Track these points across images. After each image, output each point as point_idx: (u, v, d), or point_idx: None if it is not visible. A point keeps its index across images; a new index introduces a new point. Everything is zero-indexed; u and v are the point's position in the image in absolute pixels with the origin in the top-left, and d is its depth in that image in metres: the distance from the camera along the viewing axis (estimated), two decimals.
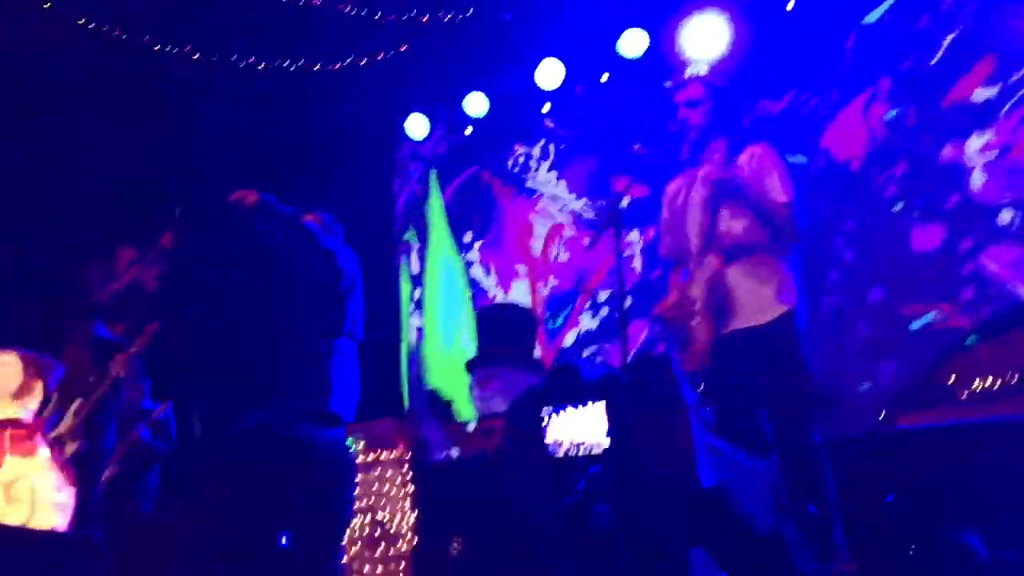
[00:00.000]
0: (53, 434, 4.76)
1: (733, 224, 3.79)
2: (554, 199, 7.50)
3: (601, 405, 2.36)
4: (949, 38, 5.66)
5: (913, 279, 5.59)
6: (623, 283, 3.97)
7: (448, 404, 6.77)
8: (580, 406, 2.40)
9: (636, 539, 2.22)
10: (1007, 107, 5.40)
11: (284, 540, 2.96)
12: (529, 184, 7.65)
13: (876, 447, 4.20)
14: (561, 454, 2.40)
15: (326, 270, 4.29)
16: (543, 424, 2.44)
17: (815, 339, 5.47)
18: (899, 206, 5.71)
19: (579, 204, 7.35)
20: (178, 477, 5.28)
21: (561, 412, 2.44)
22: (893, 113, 5.85)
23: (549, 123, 7.51)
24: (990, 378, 4.90)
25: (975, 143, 5.50)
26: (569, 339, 7.12)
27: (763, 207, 3.76)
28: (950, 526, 3.33)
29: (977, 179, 5.48)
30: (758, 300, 3.70)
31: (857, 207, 5.89)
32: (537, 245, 7.55)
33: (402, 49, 6.79)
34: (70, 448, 4.83)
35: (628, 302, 6.38)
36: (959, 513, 3.60)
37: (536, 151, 7.65)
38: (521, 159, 7.73)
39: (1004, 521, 3.44)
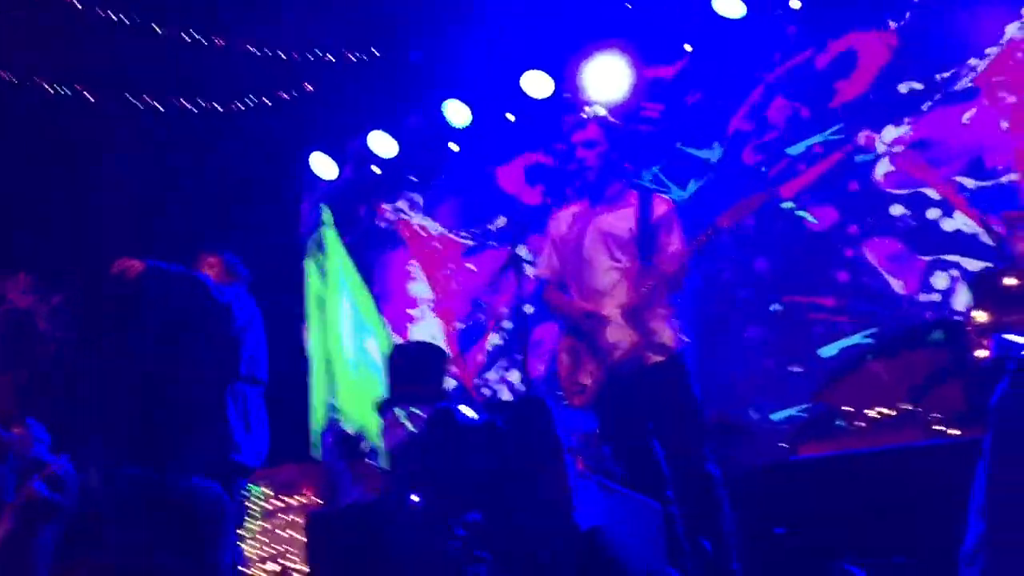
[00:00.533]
0: None
1: (630, 269, 3.86)
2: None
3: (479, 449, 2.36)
4: None
5: (801, 259, 5.79)
6: (523, 313, 4.02)
7: (354, 438, 6.70)
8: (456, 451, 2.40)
9: None
10: (929, 104, 5.58)
11: None
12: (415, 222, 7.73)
13: (774, 478, 4.27)
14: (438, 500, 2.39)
15: (220, 318, 4.25)
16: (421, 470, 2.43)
17: (725, 366, 5.68)
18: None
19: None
20: (72, 534, 5.09)
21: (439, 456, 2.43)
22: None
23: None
24: (883, 408, 5.05)
25: (890, 133, 5.69)
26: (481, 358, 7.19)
27: (662, 258, 3.84)
28: (837, 557, 3.39)
29: (880, 170, 5.67)
30: (665, 337, 3.76)
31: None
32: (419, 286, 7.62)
33: (307, 88, 6.75)
34: None
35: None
36: (846, 544, 3.67)
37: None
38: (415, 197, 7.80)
39: (888, 551, 3.52)
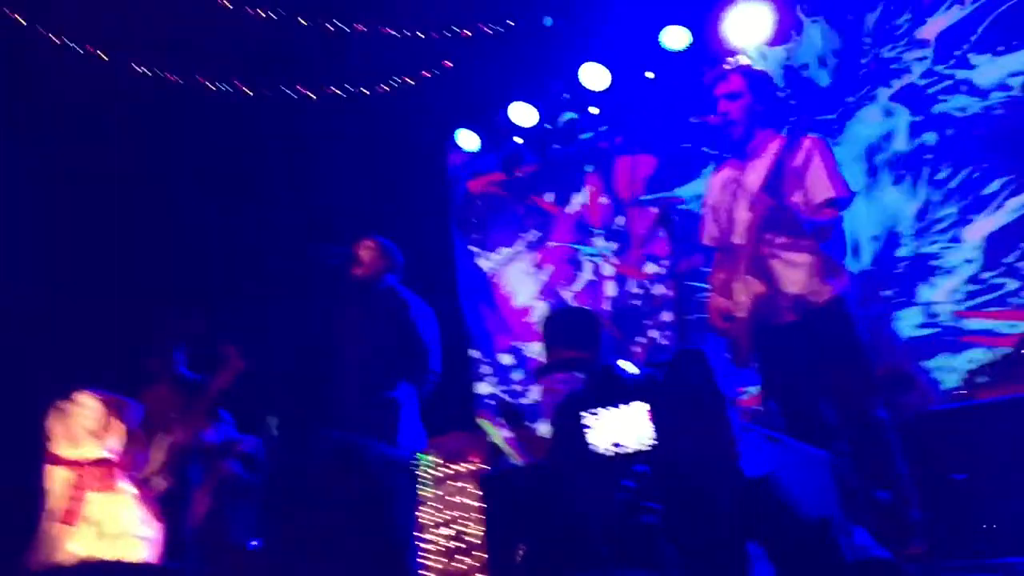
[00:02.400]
0: (141, 474, 4.92)
1: (782, 217, 3.74)
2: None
3: (642, 405, 2.38)
4: None
5: None
6: (680, 284, 3.97)
7: (515, 405, 6.83)
8: (621, 406, 2.43)
9: (687, 535, 2.23)
10: None
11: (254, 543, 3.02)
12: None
13: (948, 424, 4.11)
14: (608, 454, 2.42)
15: (409, 328, 4.43)
16: (584, 427, 2.47)
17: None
18: None
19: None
20: (273, 505, 5.40)
21: (602, 414, 2.47)
22: None
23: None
24: None
25: None
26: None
27: (812, 202, 3.71)
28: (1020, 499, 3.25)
29: None
30: (807, 286, 3.65)
31: None
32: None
33: (446, 65, 6.86)
34: (158, 485, 4.98)
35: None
36: None
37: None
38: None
39: None
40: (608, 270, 7.41)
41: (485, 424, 7.54)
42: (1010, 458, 3.70)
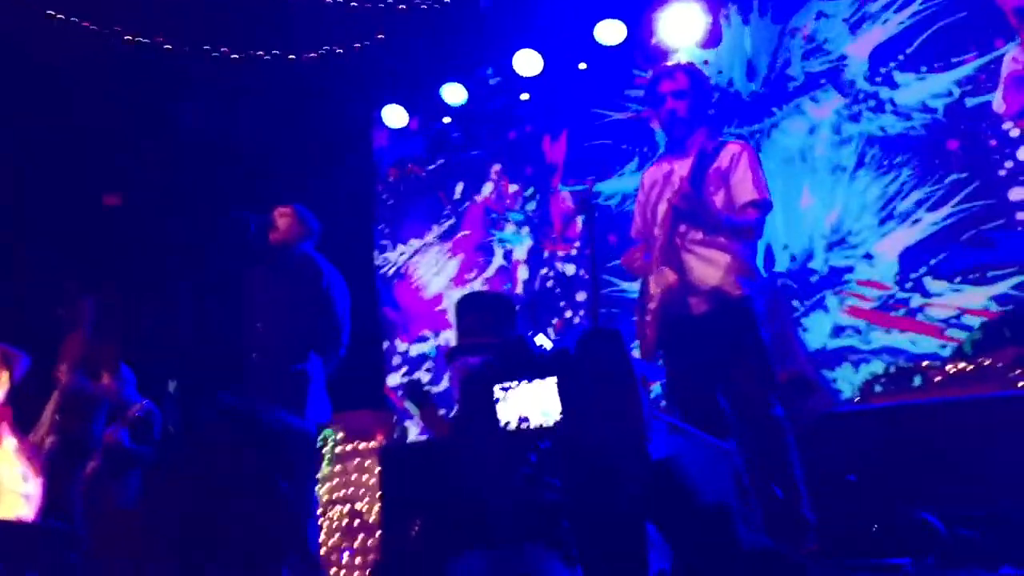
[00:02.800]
0: (36, 429, 4.75)
1: (701, 212, 3.75)
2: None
3: (552, 380, 2.37)
4: None
5: None
6: (595, 266, 3.94)
7: (421, 384, 6.80)
8: (531, 381, 2.40)
9: (588, 512, 2.22)
10: None
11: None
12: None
13: (846, 425, 4.21)
14: (512, 428, 2.40)
15: (323, 296, 4.33)
16: (494, 400, 2.44)
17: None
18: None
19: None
20: (159, 468, 5.27)
21: (512, 388, 2.44)
22: None
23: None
24: (962, 363, 4.95)
25: None
26: None
27: (735, 202, 3.76)
28: (911, 504, 3.34)
29: None
30: (720, 283, 3.69)
31: None
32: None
33: (378, 37, 6.76)
34: (47, 440, 4.81)
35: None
36: (920, 491, 3.61)
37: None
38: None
39: (963, 500, 3.46)
40: (519, 254, 7.45)
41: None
42: (900, 461, 3.81)
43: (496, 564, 2.33)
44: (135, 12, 6.30)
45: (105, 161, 6.78)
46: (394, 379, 7.79)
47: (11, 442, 4.41)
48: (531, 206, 7.45)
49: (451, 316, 7.16)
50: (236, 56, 6.63)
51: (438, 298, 7.83)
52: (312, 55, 6.80)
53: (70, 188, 6.53)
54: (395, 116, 7.61)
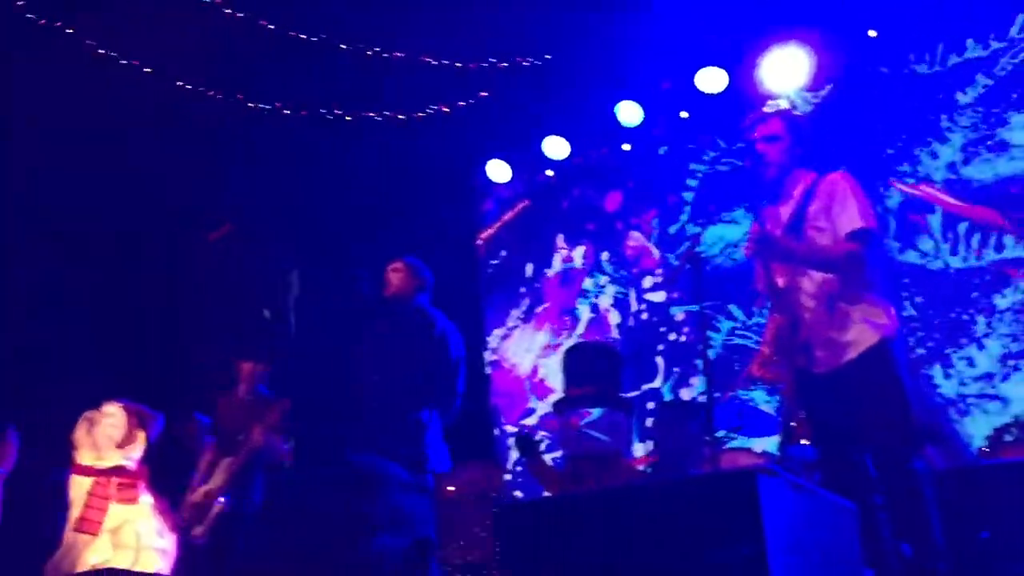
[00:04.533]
0: (203, 488, 4.88)
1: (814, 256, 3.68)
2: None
3: None
4: None
5: None
6: (704, 318, 3.90)
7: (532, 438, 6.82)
8: None
9: None
10: None
11: None
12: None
13: (977, 480, 4.06)
14: None
15: (439, 347, 4.43)
16: None
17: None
18: None
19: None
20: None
21: None
22: None
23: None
24: None
25: None
26: None
27: (839, 234, 3.65)
28: None
29: None
30: (851, 331, 3.56)
31: None
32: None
33: (482, 95, 6.92)
34: (215, 498, 4.92)
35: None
36: None
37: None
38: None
39: None
40: (604, 303, 7.61)
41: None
42: None
43: None
44: (255, 78, 6.62)
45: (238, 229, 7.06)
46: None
47: (148, 499, 4.61)
48: (605, 255, 7.67)
49: (554, 375, 7.30)
50: (349, 118, 6.87)
51: (534, 370, 7.99)
52: (419, 115, 7.00)
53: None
54: (499, 171, 7.77)
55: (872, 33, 6.19)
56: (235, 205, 7.18)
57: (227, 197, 7.12)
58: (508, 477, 7.48)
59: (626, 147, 7.45)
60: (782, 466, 3.55)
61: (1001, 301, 5.51)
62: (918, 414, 4.11)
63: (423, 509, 4.09)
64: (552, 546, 2.97)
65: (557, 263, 8.03)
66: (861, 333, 3.55)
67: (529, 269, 8.22)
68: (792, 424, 4.22)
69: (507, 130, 7.48)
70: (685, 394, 6.99)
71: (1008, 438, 4.80)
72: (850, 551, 3.02)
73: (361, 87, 7.00)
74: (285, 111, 6.76)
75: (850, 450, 3.52)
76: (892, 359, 3.53)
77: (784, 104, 4.21)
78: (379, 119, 6.97)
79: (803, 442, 4.25)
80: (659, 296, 7.37)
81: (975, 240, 5.66)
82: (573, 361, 6.59)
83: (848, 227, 3.60)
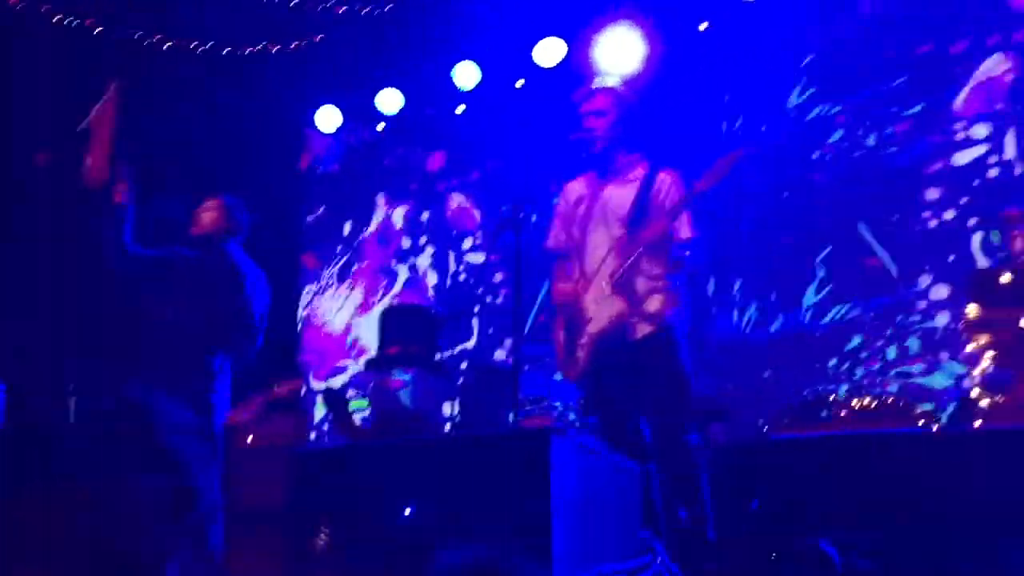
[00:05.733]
0: None
1: (619, 240, 3.84)
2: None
3: None
4: None
5: None
6: (519, 279, 3.98)
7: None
8: None
9: None
10: None
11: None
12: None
13: (753, 455, 4.31)
14: None
15: (242, 294, 4.25)
16: None
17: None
18: None
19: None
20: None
21: None
22: None
23: None
24: (868, 398, 5.10)
25: None
26: None
27: (675, 236, 3.84)
28: (809, 534, 3.45)
29: None
30: (655, 311, 3.78)
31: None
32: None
33: (316, 39, 6.72)
34: None
35: None
36: (818, 522, 3.73)
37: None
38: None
39: (858, 530, 3.58)
40: (423, 263, 7.66)
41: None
42: (808, 493, 3.93)
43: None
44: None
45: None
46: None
47: None
48: (425, 215, 7.72)
49: (368, 334, 7.28)
50: (170, 43, 6.54)
51: (347, 329, 7.94)
52: (251, 50, 6.74)
53: None
54: (328, 119, 7.58)
55: (703, 27, 6.41)
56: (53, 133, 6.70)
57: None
58: (313, 435, 7.38)
59: (460, 109, 7.42)
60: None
61: None
62: (701, 393, 4.40)
63: (200, 454, 3.94)
64: (344, 493, 2.96)
65: (376, 222, 7.99)
66: (653, 311, 3.79)
67: (347, 227, 8.15)
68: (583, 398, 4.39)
69: (339, 77, 7.31)
70: (499, 355, 7.10)
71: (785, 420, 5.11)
72: (630, 510, 3.16)
73: (192, 17, 6.67)
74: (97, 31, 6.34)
75: (630, 418, 3.73)
76: (677, 340, 3.80)
77: (613, 82, 4.28)
78: (206, 50, 6.66)
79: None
80: (478, 257, 7.43)
81: None
82: (389, 321, 6.62)
83: (686, 234, 3.85)
